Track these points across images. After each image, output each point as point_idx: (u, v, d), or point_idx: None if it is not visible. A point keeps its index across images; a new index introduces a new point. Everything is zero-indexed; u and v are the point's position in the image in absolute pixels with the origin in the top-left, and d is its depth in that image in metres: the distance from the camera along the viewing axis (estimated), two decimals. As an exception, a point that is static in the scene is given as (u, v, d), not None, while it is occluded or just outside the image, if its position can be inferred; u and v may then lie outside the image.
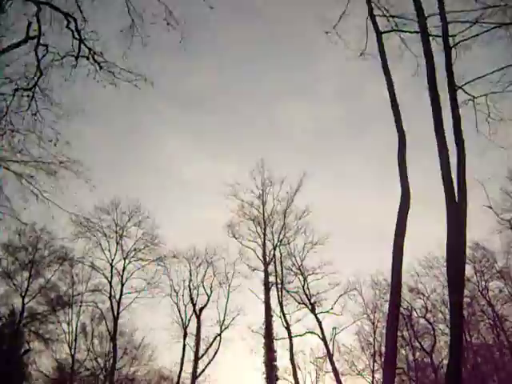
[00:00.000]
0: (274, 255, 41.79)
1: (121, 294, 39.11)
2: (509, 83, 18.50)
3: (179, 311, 42.15)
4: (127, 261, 40.14)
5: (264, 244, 41.89)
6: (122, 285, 39.40)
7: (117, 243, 40.05)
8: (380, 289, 43.33)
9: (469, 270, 40.21)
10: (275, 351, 39.31)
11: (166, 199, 65.34)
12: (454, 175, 17.01)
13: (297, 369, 40.00)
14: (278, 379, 38.74)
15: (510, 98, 18.93)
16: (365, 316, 43.90)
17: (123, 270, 39.70)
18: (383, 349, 42.67)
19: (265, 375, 38.23)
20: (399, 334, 43.61)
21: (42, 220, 32.02)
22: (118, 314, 38.48)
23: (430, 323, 41.70)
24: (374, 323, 43.86)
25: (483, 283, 40.72)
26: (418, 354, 43.50)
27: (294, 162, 69.02)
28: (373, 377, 42.69)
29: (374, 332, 43.66)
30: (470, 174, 17.49)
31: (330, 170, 71.66)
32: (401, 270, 17.65)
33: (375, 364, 43.14)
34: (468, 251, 37.83)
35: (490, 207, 33.73)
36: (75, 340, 38.76)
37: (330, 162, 69.79)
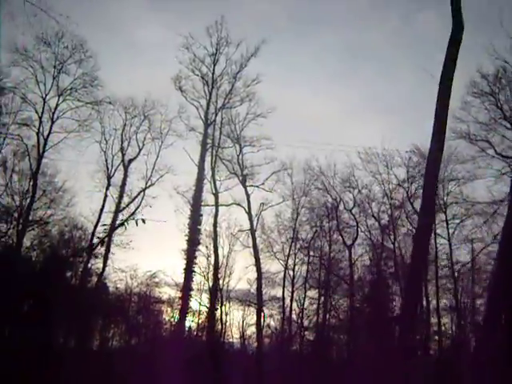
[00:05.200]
0: (215, 119, 40.16)
1: (49, 132, 35.69)
2: None
3: (106, 160, 39.58)
4: (61, 98, 36.31)
5: (208, 105, 39.95)
6: (53, 122, 35.86)
7: (53, 78, 36.06)
8: (312, 174, 43.31)
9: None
10: (201, 215, 38.81)
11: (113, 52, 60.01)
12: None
13: (218, 237, 39.64)
14: (199, 243, 38.61)
15: None
16: (290, 199, 43.47)
17: (56, 108, 36.09)
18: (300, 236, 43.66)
19: (187, 237, 37.80)
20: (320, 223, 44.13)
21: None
22: (43, 151, 35.26)
23: (355, 218, 42.34)
24: (297, 208, 43.71)
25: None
26: (334, 246, 43.92)
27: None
28: (286, 262, 43.08)
29: (297, 217, 43.69)
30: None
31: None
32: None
33: (290, 250, 43.28)
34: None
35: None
36: (-6, 173, 35.61)
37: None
